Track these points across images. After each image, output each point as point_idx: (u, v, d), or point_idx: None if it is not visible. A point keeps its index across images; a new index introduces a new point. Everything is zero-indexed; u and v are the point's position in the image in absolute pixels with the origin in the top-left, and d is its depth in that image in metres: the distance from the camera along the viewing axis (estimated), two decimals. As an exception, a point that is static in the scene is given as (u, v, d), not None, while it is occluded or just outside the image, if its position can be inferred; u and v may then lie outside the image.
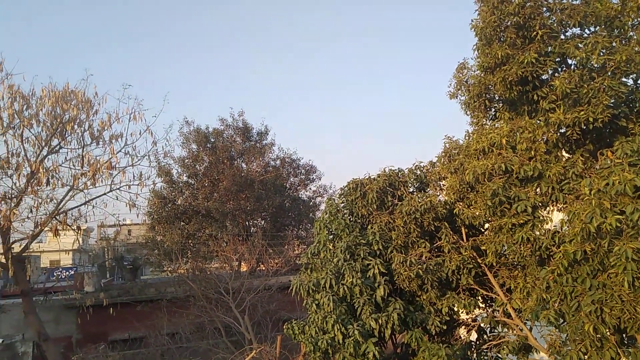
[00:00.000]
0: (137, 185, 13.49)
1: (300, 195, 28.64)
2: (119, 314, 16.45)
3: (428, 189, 9.95)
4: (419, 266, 8.32)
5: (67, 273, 27.68)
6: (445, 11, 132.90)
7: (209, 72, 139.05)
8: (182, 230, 23.40)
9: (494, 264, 8.38)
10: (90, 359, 13.46)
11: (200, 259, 22.20)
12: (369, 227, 9.59)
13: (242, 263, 21.91)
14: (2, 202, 12.36)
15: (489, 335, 9.63)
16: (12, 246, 12.85)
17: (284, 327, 9.17)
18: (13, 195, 12.56)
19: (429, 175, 9.94)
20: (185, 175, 25.42)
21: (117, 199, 13.53)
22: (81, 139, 13.06)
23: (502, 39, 8.16)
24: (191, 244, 23.90)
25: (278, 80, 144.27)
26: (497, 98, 9.03)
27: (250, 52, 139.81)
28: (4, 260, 12.93)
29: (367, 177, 10.04)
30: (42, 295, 17.90)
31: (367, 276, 8.79)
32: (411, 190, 10.16)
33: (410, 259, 8.44)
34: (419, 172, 10.21)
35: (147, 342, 15.82)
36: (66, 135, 12.91)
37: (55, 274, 27.14)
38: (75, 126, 12.74)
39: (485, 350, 9.38)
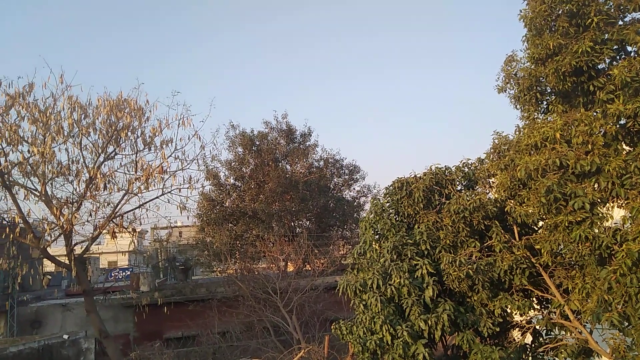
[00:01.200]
0: (187, 188, 13.97)
1: (344, 196, 28.60)
2: (172, 313, 17.08)
3: (477, 187, 9.66)
4: (469, 266, 8.10)
5: (124, 273, 29.07)
6: (491, 4, 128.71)
7: (253, 76, 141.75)
8: (230, 231, 23.95)
9: (550, 264, 8.03)
10: (147, 356, 14.02)
11: (248, 259, 22.64)
12: (416, 226, 9.44)
13: (288, 263, 22.16)
14: (64, 206, 13.11)
15: (544, 338, 9.22)
16: (74, 248, 13.62)
17: (332, 327, 9.18)
18: (74, 200, 13.32)
19: (478, 172, 9.64)
20: (232, 177, 26.04)
21: (168, 202, 14.06)
22: (134, 145, 13.66)
23: (553, 29, 7.81)
24: (239, 245, 24.43)
25: (321, 80, 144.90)
26: (549, 90, 8.65)
27: (292, 53, 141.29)
28: (67, 262, 13.72)
29: (412, 176, 9.87)
30: (101, 295, 18.87)
31: (415, 276, 8.65)
32: (459, 188, 9.92)
33: (459, 259, 8.23)
34: (466, 169, 9.94)
35: (200, 340, 16.32)
36: (121, 142, 13.54)
37: (113, 274, 28.55)
38: (129, 133, 13.33)
39: (541, 354, 9.00)
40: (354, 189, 28.93)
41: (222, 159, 25.79)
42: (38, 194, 12.83)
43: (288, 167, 26.70)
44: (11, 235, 12.17)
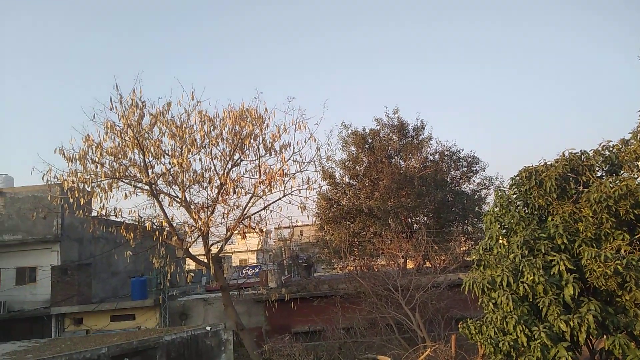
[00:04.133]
0: (306, 189, 14.52)
1: (463, 189, 27.30)
2: (299, 308, 17.94)
3: (622, 172, 8.52)
4: (617, 261, 7.19)
5: (253, 271, 31.21)
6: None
7: (364, 75, 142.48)
8: (348, 229, 24.35)
9: None
10: (279, 349, 14.90)
11: (367, 256, 22.81)
12: (549, 218, 8.64)
13: (407, 260, 21.83)
14: (201, 211, 14.55)
15: None
16: (211, 248, 15.03)
17: (459, 326, 8.82)
18: (208, 205, 14.70)
19: (622, 155, 8.49)
20: (347, 176, 26.46)
21: (289, 203, 14.76)
22: (257, 151, 14.60)
23: None
24: (357, 242, 24.72)
25: (433, 72, 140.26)
26: None
27: (401, 49, 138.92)
28: (205, 260, 15.19)
29: (542, 164, 9.05)
30: (236, 290, 20.53)
31: (551, 273, 7.91)
32: (599, 174, 8.84)
33: (604, 254, 7.34)
34: (607, 152, 8.79)
35: (325, 335, 16.85)
36: (245, 149, 14.58)
37: (244, 271, 30.86)
38: (252, 140, 14.29)
39: None
40: (473, 181, 27.50)
41: (337, 159, 26.38)
42: (179, 201, 14.41)
43: (402, 162, 26.30)
44: (160, 238, 13.87)
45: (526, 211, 9.21)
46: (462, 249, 24.45)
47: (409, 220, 25.63)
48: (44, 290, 21.68)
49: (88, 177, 13.25)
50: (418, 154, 26.09)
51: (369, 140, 26.08)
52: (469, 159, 27.34)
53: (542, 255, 8.09)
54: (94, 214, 14.97)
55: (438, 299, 16.15)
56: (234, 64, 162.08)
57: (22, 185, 23.60)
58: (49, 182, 13.31)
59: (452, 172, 27.44)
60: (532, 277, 7.81)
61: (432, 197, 24.44)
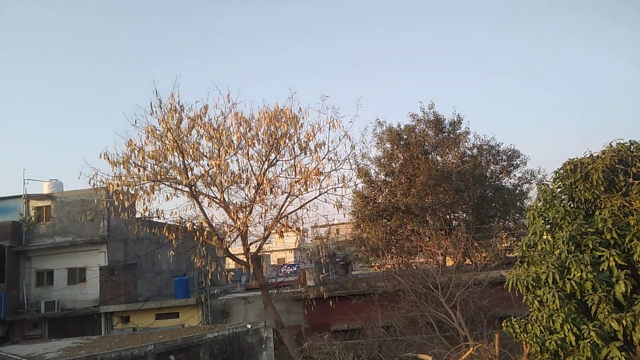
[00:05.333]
0: (342, 187, 14.53)
1: (503, 184, 26.53)
2: (337, 306, 17.96)
3: (676, 162, 8.04)
4: (673, 257, 6.80)
5: (291, 269, 31.56)
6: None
7: (398, 71, 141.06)
8: (385, 227, 24.16)
9: None
10: (318, 346, 14.98)
11: (405, 254, 22.57)
12: (597, 213, 8.26)
13: (447, 257, 21.46)
14: (239, 211, 14.82)
15: None
16: (250, 247, 15.29)
17: (502, 324, 8.59)
18: (246, 205, 14.96)
19: (676, 144, 8.03)
20: (382, 174, 26.23)
21: (325, 202, 14.83)
22: (292, 150, 14.73)
23: None
24: (394, 240, 24.50)
25: (468, 65, 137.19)
26: None
27: (435, 42, 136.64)
28: (245, 259, 15.47)
29: (588, 156, 8.66)
30: (275, 289, 20.79)
31: (600, 269, 7.57)
32: (651, 165, 8.38)
33: (659, 249, 6.96)
34: (659, 142, 8.34)
35: (364, 333, 16.81)
36: (280, 149, 14.74)
37: (282, 270, 31.24)
38: (287, 140, 14.43)
39: None
40: (514, 175, 26.68)
41: (372, 157, 26.19)
42: (218, 201, 14.74)
43: (439, 158, 25.84)
44: (201, 238, 14.23)
45: (571, 205, 8.84)
46: (503, 245, 23.81)
47: (448, 216, 25.16)
48: (93, 289, 22.69)
49: (131, 180, 13.76)
50: (455, 149, 25.55)
51: (405, 137, 25.76)
52: (509, 153, 26.54)
53: (589, 250, 7.75)
54: (137, 215, 15.53)
55: (480, 296, 15.79)
56: (268, 61, 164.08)
57: (70, 190, 24.79)
58: (95, 186, 13.92)
59: (492, 167, 26.72)
60: (579, 274, 7.50)
61: (471, 192, 23.88)
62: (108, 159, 13.57)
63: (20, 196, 24.50)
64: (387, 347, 15.24)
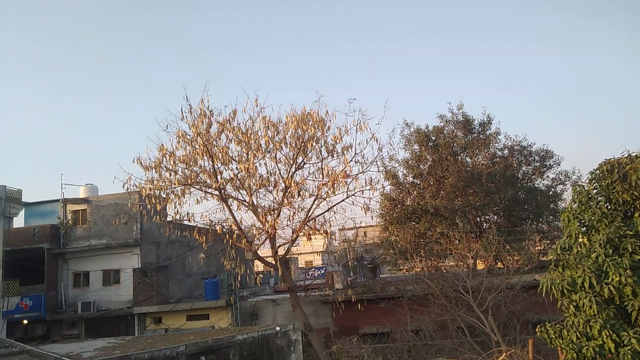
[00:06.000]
0: (369, 189, 14.44)
1: (536, 185, 25.86)
2: (365, 310, 17.85)
3: None
4: None
5: (319, 272, 31.58)
6: None
7: (426, 71, 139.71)
8: (414, 229, 23.90)
9: None
10: (347, 350, 14.93)
11: (434, 257, 22.25)
12: (636, 215, 7.95)
13: (477, 261, 21.04)
14: (268, 214, 14.95)
15: None
16: (278, 250, 15.39)
17: (537, 329, 8.35)
18: (274, 208, 15.08)
19: None
20: (410, 176, 25.96)
21: (353, 204, 14.77)
22: (319, 153, 14.75)
23: None
24: (423, 243, 24.20)
25: (498, 65, 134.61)
26: None
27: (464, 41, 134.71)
28: (273, 262, 15.58)
29: (626, 156, 8.34)
30: (302, 292, 20.85)
31: (640, 274, 7.28)
32: (694, 165, 7.99)
33: None
34: None
35: (394, 337, 16.65)
36: (307, 152, 14.79)
37: (310, 273, 31.30)
38: (314, 143, 14.46)
39: None
40: (547, 176, 25.98)
41: (399, 159, 25.97)
42: (247, 204, 14.90)
43: (468, 159, 25.40)
44: (230, 241, 14.42)
45: (608, 207, 8.52)
46: (537, 248, 23.18)
47: (478, 219, 24.68)
48: (127, 290, 23.33)
49: (163, 184, 14.08)
50: (485, 150, 25.07)
51: (433, 138, 25.44)
52: (542, 153, 25.86)
53: (628, 254, 7.46)
54: (168, 218, 15.88)
55: (512, 301, 15.42)
56: (294, 64, 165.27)
57: (105, 194, 25.59)
58: (129, 190, 14.31)
59: (524, 168, 26.09)
60: (618, 278, 7.22)
61: (502, 194, 23.37)
62: (141, 163, 13.93)
63: (58, 200, 25.47)
64: (417, 352, 15.06)
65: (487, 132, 25.59)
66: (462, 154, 25.44)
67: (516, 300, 15.55)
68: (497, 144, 25.63)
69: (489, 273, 17.13)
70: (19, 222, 27.22)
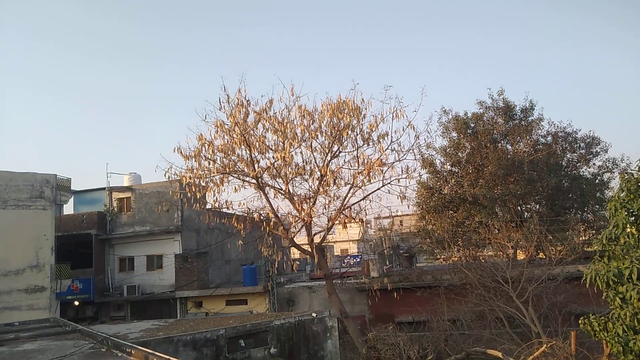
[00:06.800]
0: (405, 178, 14.34)
1: (581, 173, 24.82)
2: (401, 298, 17.82)
3: None
4: None
5: (354, 260, 31.67)
6: None
7: (465, 56, 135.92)
8: (451, 218, 23.53)
9: None
10: (383, 337, 14.98)
11: (472, 246, 21.87)
12: (690, 204, 7.55)
13: (517, 251, 20.51)
14: (304, 202, 15.11)
15: None
16: (314, 238, 15.56)
17: (579, 322, 8.12)
18: (310, 196, 15.21)
19: None
20: (448, 164, 25.50)
21: (389, 193, 14.71)
22: (355, 142, 14.74)
23: None
24: (461, 232, 23.80)
25: (542, 48, 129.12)
26: None
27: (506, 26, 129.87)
28: (309, 249, 15.77)
29: (679, 142, 7.90)
30: (338, 279, 21.01)
31: (694, 266, 6.93)
32: None
33: None
34: None
35: (430, 326, 16.56)
36: (343, 141, 14.81)
37: (345, 261, 31.45)
38: (349, 131, 14.46)
39: None
40: (593, 164, 24.87)
41: (437, 146, 25.51)
42: (283, 193, 15.12)
43: (509, 147, 24.67)
44: (267, 228, 14.69)
45: (660, 196, 8.12)
46: (581, 238, 22.36)
47: (519, 208, 24.01)
48: (169, 275, 24.23)
49: (202, 172, 14.46)
50: (527, 137, 24.26)
51: (472, 125, 24.83)
52: (588, 140, 24.77)
53: (681, 245, 7.11)
54: (208, 206, 16.32)
55: (554, 292, 14.99)
56: (333, 53, 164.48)
57: (148, 182, 26.54)
58: (170, 179, 14.79)
59: (568, 155, 25.09)
60: (669, 270, 6.90)
61: (544, 182, 22.60)
62: (181, 152, 14.35)
63: (104, 188, 26.63)
64: (454, 341, 14.93)
65: (529, 119, 24.73)
66: (502, 141, 24.73)
67: (558, 291, 15.10)
68: (539, 131, 24.76)
69: (529, 263, 16.69)
70: (68, 209, 28.73)
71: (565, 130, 24.95)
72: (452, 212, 24.18)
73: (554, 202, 23.87)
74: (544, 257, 18.97)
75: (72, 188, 24.93)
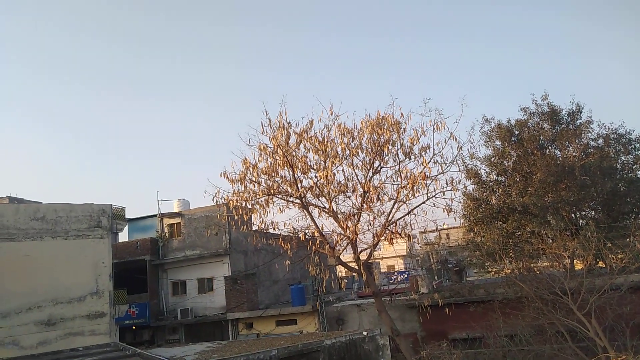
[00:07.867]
0: (450, 190, 14.07)
1: (638, 176, 23.52)
2: (454, 314, 17.35)
3: None
4: None
5: (402, 276, 31.18)
6: None
7: (505, 64, 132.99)
8: (501, 229, 22.81)
9: None
10: (437, 355, 14.59)
11: (526, 258, 21.04)
12: None
13: (574, 260, 19.55)
14: (348, 219, 15.14)
15: None
16: (360, 255, 15.50)
17: (650, 334, 7.65)
18: (354, 213, 15.23)
19: None
20: (493, 173, 24.86)
21: (434, 206, 14.47)
22: (396, 156, 14.67)
23: None
24: (512, 243, 22.99)
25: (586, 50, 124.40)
26: None
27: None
28: (356, 267, 15.71)
29: None
30: (387, 296, 20.72)
31: None
32: None
33: None
34: None
35: (486, 342, 16.00)
36: (384, 156, 14.79)
37: (393, 277, 31.00)
38: (390, 146, 14.44)
39: None
40: (651, 166, 23.52)
41: (481, 156, 24.98)
42: (327, 211, 15.21)
43: (557, 152, 23.80)
44: (314, 247, 14.80)
45: None
46: (645, 245, 21.03)
47: (573, 215, 22.98)
48: (220, 297, 24.72)
49: (248, 195, 14.82)
50: (577, 141, 23.33)
51: (516, 132, 24.19)
52: (643, 140, 23.50)
53: None
54: (254, 228, 16.65)
55: (619, 303, 14.17)
56: (368, 62, 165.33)
57: (195, 207, 27.43)
58: (218, 203, 15.24)
59: (622, 158, 23.87)
60: None
61: (599, 187, 21.57)
62: (227, 177, 14.78)
63: (155, 215, 27.74)
64: (513, 357, 14.34)
65: (578, 122, 23.83)
66: (550, 147, 23.91)
67: (623, 302, 14.26)
68: (589, 134, 23.78)
69: (589, 273, 15.86)
70: (123, 236, 30.09)
71: (618, 132, 23.82)
72: (501, 222, 23.47)
73: (610, 208, 22.69)
74: (604, 266, 17.99)
75: (126, 216, 26.13)
